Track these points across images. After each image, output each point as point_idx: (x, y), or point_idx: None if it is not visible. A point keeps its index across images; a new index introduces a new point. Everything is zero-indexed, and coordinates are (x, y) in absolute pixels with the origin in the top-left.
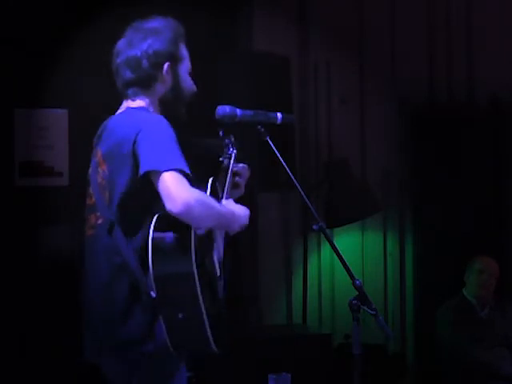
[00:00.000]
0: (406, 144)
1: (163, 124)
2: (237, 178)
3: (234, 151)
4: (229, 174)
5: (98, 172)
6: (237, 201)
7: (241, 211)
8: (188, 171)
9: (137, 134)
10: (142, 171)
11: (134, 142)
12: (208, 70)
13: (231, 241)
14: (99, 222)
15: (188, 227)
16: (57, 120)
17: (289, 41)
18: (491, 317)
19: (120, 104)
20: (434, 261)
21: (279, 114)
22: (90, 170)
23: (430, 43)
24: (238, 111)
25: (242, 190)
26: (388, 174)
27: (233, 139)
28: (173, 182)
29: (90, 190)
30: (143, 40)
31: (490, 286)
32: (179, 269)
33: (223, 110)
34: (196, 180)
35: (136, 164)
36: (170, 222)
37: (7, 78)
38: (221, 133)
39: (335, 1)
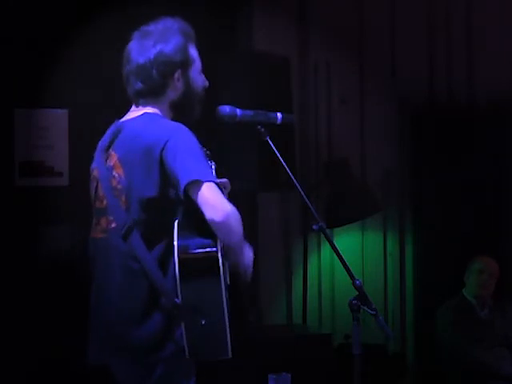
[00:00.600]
0: (406, 144)
1: (190, 134)
2: None
3: (213, 164)
4: None
5: (114, 176)
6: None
7: (249, 250)
8: (218, 181)
9: (166, 142)
10: (184, 181)
11: (163, 150)
12: (208, 69)
13: None
14: (112, 225)
15: (212, 235)
16: (57, 120)
17: (289, 41)
18: (491, 317)
19: (126, 105)
20: (434, 261)
21: (279, 114)
22: (98, 173)
23: (430, 43)
24: (238, 111)
25: None
26: (388, 174)
27: (208, 152)
28: (213, 193)
29: (100, 193)
30: (152, 47)
31: (489, 286)
32: (206, 276)
33: (223, 109)
34: None
35: (164, 172)
36: (190, 229)
37: (7, 78)
38: None
39: (335, 1)
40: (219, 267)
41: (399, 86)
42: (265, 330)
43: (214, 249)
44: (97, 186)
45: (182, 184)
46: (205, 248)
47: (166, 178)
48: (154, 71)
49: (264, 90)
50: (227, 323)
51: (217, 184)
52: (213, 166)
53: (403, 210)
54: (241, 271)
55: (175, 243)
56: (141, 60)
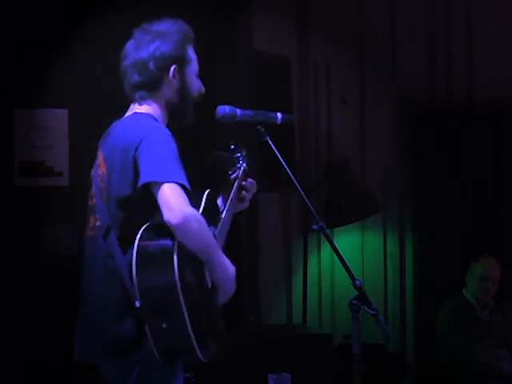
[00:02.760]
0: (405, 144)
1: (166, 135)
2: (243, 193)
3: (244, 165)
4: (234, 189)
5: (99, 174)
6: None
7: (229, 266)
8: (188, 186)
9: (139, 142)
10: (142, 181)
11: (136, 150)
12: (208, 69)
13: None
14: (98, 224)
15: (172, 238)
16: (57, 120)
17: (289, 41)
18: (491, 317)
19: (126, 106)
20: (434, 261)
21: (279, 114)
22: (93, 172)
23: (430, 43)
24: (238, 111)
25: (246, 205)
26: (388, 174)
27: (244, 153)
28: (172, 194)
29: (92, 192)
30: (150, 42)
31: (492, 291)
32: (162, 278)
33: (223, 110)
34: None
35: (136, 172)
36: (158, 232)
37: (7, 78)
38: (232, 146)
39: (335, 1)
40: (173, 268)
41: (399, 86)
42: (265, 329)
43: (169, 242)
44: (91, 185)
45: (139, 183)
46: (160, 248)
47: (138, 177)
48: (151, 64)
49: (264, 89)
50: (189, 325)
51: (183, 186)
52: (243, 167)
53: (403, 210)
54: (218, 287)
55: (135, 244)
56: (138, 54)
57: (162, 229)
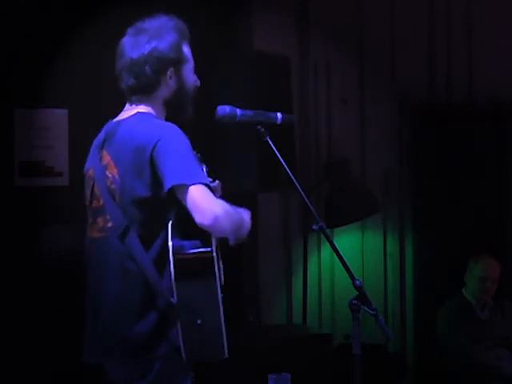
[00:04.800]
0: (405, 144)
1: (181, 134)
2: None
3: (205, 167)
4: None
5: (107, 176)
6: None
7: (246, 215)
8: (210, 184)
9: (156, 143)
10: (168, 185)
11: (153, 150)
12: (208, 70)
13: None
14: (109, 225)
15: (207, 234)
16: (57, 120)
17: (289, 41)
18: (491, 317)
19: (123, 105)
20: (434, 261)
21: (279, 114)
22: (94, 173)
23: (430, 43)
24: (238, 111)
25: None
26: (388, 174)
27: (199, 155)
28: (201, 196)
29: (97, 192)
30: (146, 43)
31: (492, 291)
32: (201, 276)
33: (223, 110)
34: None
35: (154, 172)
36: (183, 229)
37: (7, 78)
38: None
39: (335, 1)
40: (214, 267)
41: (399, 85)
42: (265, 329)
43: (209, 249)
44: (93, 186)
45: (166, 187)
46: (199, 248)
47: (157, 178)
48: (147, 67)
49: (264, 89)
50: (223, 323)
51: (207, 185)
52: (204, 169)
53: (403, 210)
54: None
55: (170, 244)
56: (134, 55)
57: (189, 224)
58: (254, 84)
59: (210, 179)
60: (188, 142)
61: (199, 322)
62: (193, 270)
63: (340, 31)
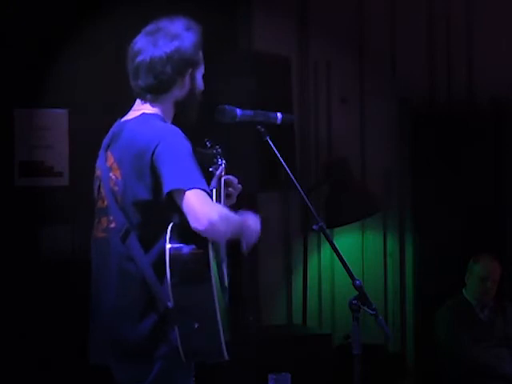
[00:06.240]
0: (405, 144)
1: (182, 137)
2: (229, 189)
3: (223, 161)
4: (222, 184)
5: (111, 177)
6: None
7: (253, 220)
8: (208, 189)
9: (156, 146)
10: (166, 189)
11: (153, 153)
12: (208, 69)
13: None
14: (112, 225)
15: (204, 239)
16: (57, 120)
17: (289, 41)
18: (491, 317)
19: (126, 105)
20: (434, 261)
21: (279, 114)
22: (100, 173)
23: (430, 43)
24: (238, 111)
25: (233, 200)
26: (388, 174)
27: (219, 150)
28: (197, 201)
29: (103, 193)
30: (169, 42)
31: (492, 291)
32: (197, 280)
33: (223, 110)
34: None
35: (154, 175)
36: (183, 232)
37: (7, 78)
38: (208, 143)
39: (335, 1)
40: (210, 271)
41: (399, 85)
42: (265, 330)
43: (205, 253)
44: (99, 185)
45: (164, 191)
46: (196, 252)
47: (158, 181)
48: (169, 67)
49: (264, 89)
50: (220, 326)
51: (204, 190)
52: (223, 164)
53: (403, 210)
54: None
55: (167, 246)
56: (156, 53)
57: (189, 228)
58: (253, 84)
59: (228, 176)
60: (189, 145)
61: (196, 325)
62: (189, 273)
63: (340, 31)
